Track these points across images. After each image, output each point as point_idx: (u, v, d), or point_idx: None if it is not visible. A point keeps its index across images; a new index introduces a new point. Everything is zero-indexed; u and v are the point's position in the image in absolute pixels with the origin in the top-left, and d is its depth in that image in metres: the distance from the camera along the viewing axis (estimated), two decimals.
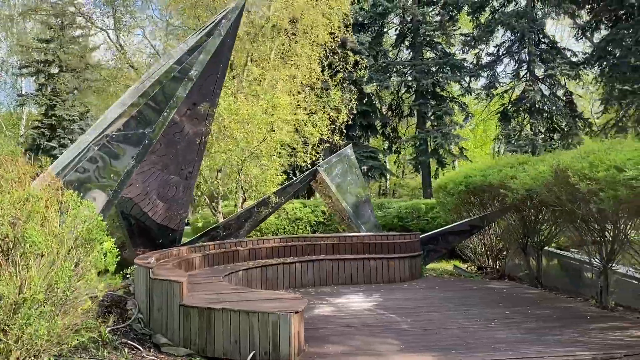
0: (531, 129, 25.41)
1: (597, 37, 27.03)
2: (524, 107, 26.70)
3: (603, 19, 25.67)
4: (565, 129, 26.26)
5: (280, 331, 5.64)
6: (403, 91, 27.72)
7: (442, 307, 8.20)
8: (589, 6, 26.19)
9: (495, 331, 6.56)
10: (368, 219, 12.46)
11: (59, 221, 5.05)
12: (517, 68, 27.33)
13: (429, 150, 25.52)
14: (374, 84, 25.87)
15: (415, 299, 8.84)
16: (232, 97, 10.05)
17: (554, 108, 25.96)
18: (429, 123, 25.83)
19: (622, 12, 25.04)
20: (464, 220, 11.71)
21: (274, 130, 9.93)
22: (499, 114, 27.85)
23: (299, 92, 12.47)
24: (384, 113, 27.84)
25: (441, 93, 26.69)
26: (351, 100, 13.00)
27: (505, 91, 27.70)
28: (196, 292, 6.99)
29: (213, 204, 12.85)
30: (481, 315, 7.50)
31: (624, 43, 24.53)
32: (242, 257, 10.37)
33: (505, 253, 12.03)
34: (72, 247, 5.02)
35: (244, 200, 12.56)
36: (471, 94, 27.04)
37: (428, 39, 26.65)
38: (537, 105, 25.72)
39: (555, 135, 26.48)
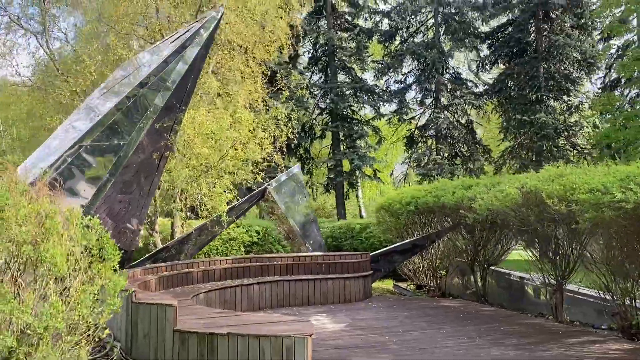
0: (437, 154, 26.80)
1: (496, 71, 29.34)
2: (429, 133, 28.20)
3: (501, 54, 27.92)
4: (466, 155, 28.00)
5: (295, 356, 5.37)
6: (317, 113, 28.08)
7: (415, 325, 8.30)
8: (489, 42, 28.40)
9: (487, 349, 6.74)
10: (315, 238, 12.37)
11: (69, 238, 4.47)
12: (423, 96, 28.84)
13: (344, 172, 26.00)
14: (292, 104, 25.96)
15: (384, 319, 8.86)
16: (192, 109, 9.56)
17: (457, 135, 27.63)
18: (343, 146, 26.33)
19: (516, 49, 27.41)
20: (409, 240, 11.99)
21: (235, 148, 9.56)
22: (405, 139, 29.12)
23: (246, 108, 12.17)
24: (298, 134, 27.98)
25: (355, 116, 27.40)
26: (291, 119, 12.91)
27: (413, 117, 29.10)
28: (181, 317, 6.48)
29: (147, 222, 12.07)
30: (459, 333, 7.68)
31: (520, 77, 26.85)
32: (196, 278, 9.82)
33: (443, 272, 12.48)
34: (87, 268, 4.47)
35: (185, 220, 11.97)
36: (382, 118, 28.10)
37: (343, 63, 27.32)
38: (442, 132, 27.26)
39: (457, 160, 28.09)
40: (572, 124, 26.48)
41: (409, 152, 29.00)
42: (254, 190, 12.73)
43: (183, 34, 7.90)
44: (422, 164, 26.70)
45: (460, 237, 11.22)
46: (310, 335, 5.49)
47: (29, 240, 3.98)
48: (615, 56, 26.78)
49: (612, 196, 6.28)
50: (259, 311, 9.71)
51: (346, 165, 26.87)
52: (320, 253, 11.50)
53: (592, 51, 26.05)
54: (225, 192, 10.85)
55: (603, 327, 8.46)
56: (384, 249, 12.29)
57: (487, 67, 29.12)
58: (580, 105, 27.58)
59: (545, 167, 8.78)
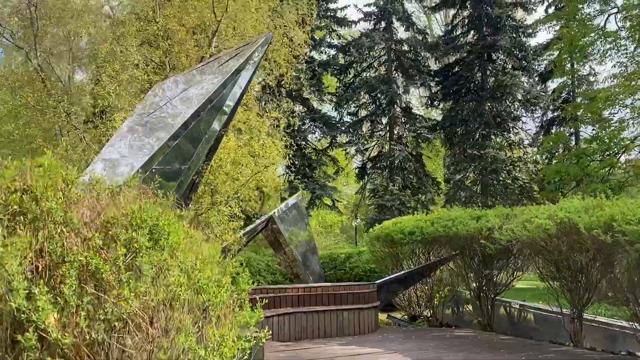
0: (394, 185, 27.40)
1: (445, 107, 30.63)
2: (382, 165, 28.85)
3: (450, 91, 29.24)
4: (416, 186, 28.82)
5: None
6: None
7: (459, 356, 8.29)
8: (438, 79, 29.69)
9: None
10: (314, 268, 12.17)
11: None
12: (373, 129, 29.55)
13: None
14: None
15: (415, 349, 8.79)
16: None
17: (408, 167, 28.42)
18: (300, 175, 26.39)
19: (464, 87, 28.84)
20: (411, 269, 12.08)
21: (259, 172, 9.30)
22: (357, 169, 29.65)
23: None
24: None
25: (314, 146, 27.59)
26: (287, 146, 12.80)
27: (366, 149, 29.71)
28: None
29: None
30: None
31: (467, 113, 28.17)
32: None
33: (436, 302, 12.66)
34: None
35: None
36: (338, 148, 28.49)
37: (298, 93, 27.53)
38: (396, 164, 27.96)
39: (407, 191, 28.83)
40: (515, 160, 28.02)
41: (361, 182, 29.49)
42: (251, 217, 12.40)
43: (233, 57, 7.66)
44: (378, 195, 27.18)
45: (464, 266, 11.44)
46: None
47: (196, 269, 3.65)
48: (552, 97, 28.78)
49: None
50: (279, 343, 9.35)
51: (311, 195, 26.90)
52: (329, 284, 11.31)
53: (535, 91, 27.86)
54: (232, 220, 10.52)
55: (622, 352, 8.86)
56: (386, 278, 12.28)
57: (435, 103, 30.37)
58: (521, 142, 29.31)
59: (575, 198, 9.16)
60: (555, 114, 29.61)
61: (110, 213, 3.44)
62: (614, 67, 23.05)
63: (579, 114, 27.24)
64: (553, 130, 29.44)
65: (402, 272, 12.21)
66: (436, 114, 31.64)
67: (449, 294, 12.48)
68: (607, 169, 22.75)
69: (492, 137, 27.77)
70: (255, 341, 3.87)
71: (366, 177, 29.44)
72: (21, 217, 3.22)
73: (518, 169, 28.37)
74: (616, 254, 7.75)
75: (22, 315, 2.81)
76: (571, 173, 21.49)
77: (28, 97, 11.85)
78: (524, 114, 28.81)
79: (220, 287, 3.89)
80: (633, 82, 21.98)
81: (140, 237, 3.35)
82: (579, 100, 29.06)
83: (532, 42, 28.83)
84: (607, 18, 22.32)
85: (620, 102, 22.66)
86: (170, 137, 6.51)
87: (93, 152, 10.10)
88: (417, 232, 11.74)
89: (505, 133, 28.69)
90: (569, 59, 26.73)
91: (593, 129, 25.26)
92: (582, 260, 8.47)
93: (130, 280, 3.15)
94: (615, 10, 22.01)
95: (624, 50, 22.62)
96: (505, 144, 28.63)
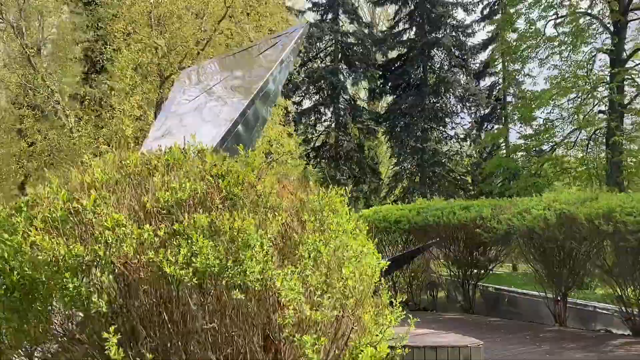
0: (341, 175, 27.95)
1: (388, 100, 31.56)
2: (326, 155, 29.35)
3: (394, 85, 30.18)
4: (359, 177, 29.58)
5: None
6: None
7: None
8: (382, 73, 30.52)
9: (561, 352, 7.56)
10: None
11: None
12: (316, 119, 29.98)
13: None
14: None
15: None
16: None
17: (353, 157, 29.10)
18: None
19: (406, 82, 29.87)
20: (396, 255, 12.60)
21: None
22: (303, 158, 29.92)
23: None
24: None
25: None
26: None
27: (311, 139, 30.04)
28: None
29: None
30: (513, 342, 8.43)
31: (406, 107, 29.23)
32: None
33: (414, 287, 13.30)
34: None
35: None
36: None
37: None
38: (341, 154, 28.54)
39: (349, 181, 29.53)
40: (453, 153, 29.50)
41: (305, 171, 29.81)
42: None
43: (271, 46, 7.69)
44: (323, 185, 27.53)
45: (448, 254, 12.11)
46: (481, 345, 5.81)
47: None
48: (486, 95, 30.50)
49: None
50: None
51: None
52: None
53: (472, 89, 29.38)
54: None
55: (601, 330, 9.86)
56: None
57: (380, 96, 31.23)
58: (456, 137, 30.84)
59: (568, 191, 10.00)
60: (487, 111, 31.37)
61: (303, 197, 3.56)
62: (548, 69, 24.73)
63: (509, 111, 29.19)
64: (486, 127, 31.25)
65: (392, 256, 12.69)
66: (380, 107, 32.55)
67: (427, 280, 13.13)
68: (538, 165, 24.56)
69: (432, 131, 29.04)
70: None
71: (317, 165, 29.86)
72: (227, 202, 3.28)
73: (454, 162, 29.86)
74: (613, 242, 8.63)
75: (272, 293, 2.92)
76: (512, 167, 23.02)
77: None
78: (462, 110, 30.32)
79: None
80: (564, 84, 23.78)
81: (335, 219, 3.50)
82: (509, 99, 31.12)
83: (471, 41, 30.31)
84: (547, 24, 23.87)
85: (553, 103, 24.51)
86: (233, 123, 6.50)
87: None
88: (404, 221, 12.25)
89: (442, 127, 30.09)
90: (500, 60, 28.56)
91: (521, 126, 27.16)
92: (577, 247, 9.32)
93: (349, 262, 3.32)
94: (554, 16, 23.62)
95: (557, 54, 24.35)
96: (443, 137, 30.02)
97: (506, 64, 29.06)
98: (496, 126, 31.72)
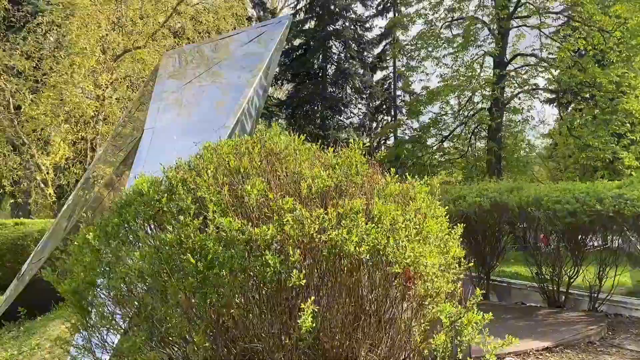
0: None
1: (289, 88, 32.04)
2: None
3: (295, 73, 30.72)
4: None
5: None
6: None
7: None
8: (284, 60, 30.92)
9: (512, 321, 8.75)
10: None
11: None
12: None
13: None
14: None
15: None
16: None
17: None
18: None
19: (307, 71, 30.60)
20: None
21: None
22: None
23: None
24: None
25: None
26: None
27: None
28: None
29: None
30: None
31: (307, 95, 30.07)
32: None
33: None
34: None
35: None
36: None
37: None
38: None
39: None
40: (351, 142, 30.80)
41: None
42: None
43: (252, 40, 7.90)
44: None
45: None
46: None
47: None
48: (379, 87, 32.26)
49: (588, 206, 9.00)
50: None
51: None
52: None
53: (368, 80, 30.90)
54: None
55: (517, 303, 11.34)
56: None
57: (280, 82, 31.63)
58: (351, 125, 32.29)
59: (496, 182, 11.27)
60: (378, 102, 33.15)
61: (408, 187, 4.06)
62: (440, 67, 26.75)
63: (399, 104, 31.18)
64: (377, 117, 33.08)
65: None
66: (282, 94, 32.92)
67: None
68: (430, 155, 26.66)
69: (332, 119, 30.12)
70: None
71: None
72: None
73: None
74: (539, 226, 10.01)
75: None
76: (414, 155, 24.79)
77: None
78: (358, 101, 31.72)
79: None
80: (453, 82, 25.92)
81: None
82: (399, 93, 33.20)
83: (368, 35, 31.77)
84: (442, 26, 25.78)
85: (442, 99, 26.63)
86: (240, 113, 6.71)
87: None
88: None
89: (337, 116, 31.30)
90: (392, 56, 30.35)
91: (412, 120, 29.21)
92: (505, 230, 10.64)
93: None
94: (449, 18, 25.59)
95: (450, 55, 26.41)
96: (340, 126, 31.26)
97: (397, 60, 31.01)
98: (387, 117, 33.77)
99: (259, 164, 3.64)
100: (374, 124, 33.33)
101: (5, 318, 7.79)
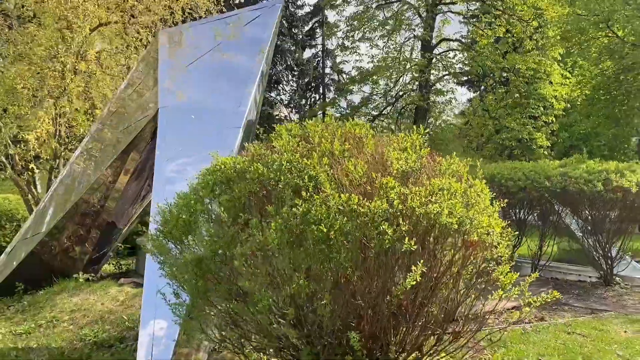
0: None
1: None
2: None
3: None
4: None
5: None
6: None
7: None
8: None
9: None
10: None
11: None
12: None
13: None
14: None
15: None
16: None
17: None
18: None
19: None
20: None
21: None
22: None
23: None
24: None
25: None
26: None
27: None
28: None
29: None
30: None
31: None
32: None
33: None
34: None
35: None
36: None
37: None
38: None
39: None
40: (282, 119, 31.28)
41: None
42: None
43: (250, 22, 8.19)
44: None
45: None
46: None
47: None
48: (309, 65, 32.84)
49: (538, 183, 10.22)
50: None
51: None
52: None
53: (300, 59, 31.34)
54: None
55: None
56: None
57: None
58: (281, 101, 32.70)
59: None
60: (307, 80, 33.72)
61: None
62: (371, 48, 27.73)
63: (327, 82, 31.95)
64: (306, 95, 33.70)
65: None
66: None
67: None
68: None
69: (265, 96, 30.32)
70: None
71: None
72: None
73: None
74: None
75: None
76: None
77: None
78: (290, 78, 32.08)
79: None
80: (385, 63, 27.01)
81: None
82: (327, 71, 33.97)
83: (300, 12, 32.07)
84: (375, 7, 26.63)
85: (373, 80, 27.70)
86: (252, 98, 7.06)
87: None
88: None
89: (269, 93, 31.52)
90: (321, 34, 31.02)
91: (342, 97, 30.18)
92: None
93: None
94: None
95: (378, 34, 27.36)
96: (272, 103, 31.54)
97: (328, 39, 31.69)
98: (315, 95, 34.48)
99: (347, 146, 4.18)
100: (303, 101, 33.87)
101: None
